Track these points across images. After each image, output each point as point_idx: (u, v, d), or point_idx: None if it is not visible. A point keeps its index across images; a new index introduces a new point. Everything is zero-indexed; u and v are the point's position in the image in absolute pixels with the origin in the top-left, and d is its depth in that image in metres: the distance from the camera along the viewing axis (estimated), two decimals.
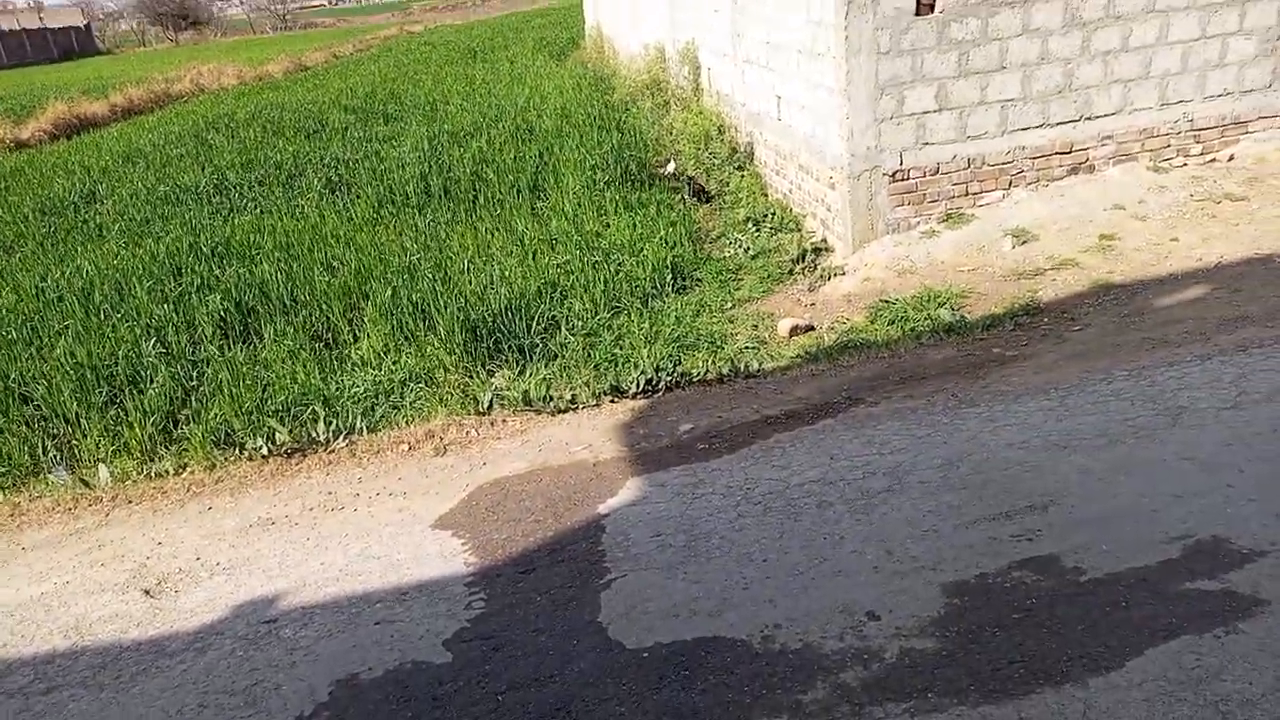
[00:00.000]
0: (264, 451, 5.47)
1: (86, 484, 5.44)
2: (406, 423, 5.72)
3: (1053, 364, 5.47)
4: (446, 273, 8.01)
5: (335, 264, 8.39)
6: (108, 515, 5.14)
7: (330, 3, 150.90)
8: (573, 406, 5.64)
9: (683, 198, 10.26)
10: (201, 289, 8.26)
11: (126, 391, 6.62)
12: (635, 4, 17.45)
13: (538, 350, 6.91)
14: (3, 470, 5.85)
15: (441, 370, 6.66)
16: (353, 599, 4.03)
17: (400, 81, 21.65)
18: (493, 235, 9.13)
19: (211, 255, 9.13)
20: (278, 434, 5.59)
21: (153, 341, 7.18)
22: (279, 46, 47.72)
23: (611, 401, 5.70)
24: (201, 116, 19.09)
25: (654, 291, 7.95)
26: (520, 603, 3.84)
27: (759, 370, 6.08)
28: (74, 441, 6.17)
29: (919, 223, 7.81)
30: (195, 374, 6.90)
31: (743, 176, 10.19)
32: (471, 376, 6.61)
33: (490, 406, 5.66)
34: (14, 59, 67.78)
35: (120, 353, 7.04)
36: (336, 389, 6.48)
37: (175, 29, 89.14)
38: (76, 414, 6.37)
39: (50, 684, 3.75)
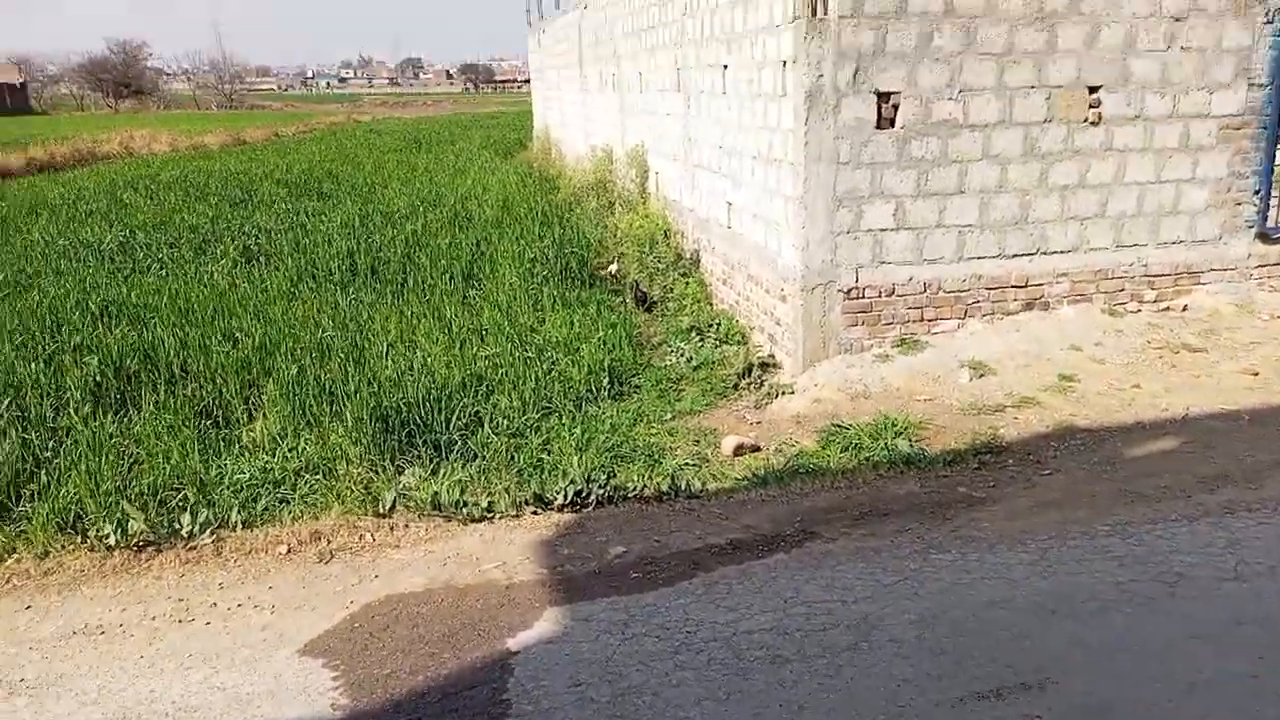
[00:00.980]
0: (110, 541, 4.56)
1: None
2: (292, 519, 4.89)
3: (1026, 510, 4.96)
4: (363, 354, 7.27)
5: (238, 335, 7.58)
6: None
7: (279, 89, 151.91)
8: (489, 515, 4.89)
9: (624, 300, 9.77)
10: (80, 349, 7.34)
11: None
12: (586, 106, 17.40)
13: (456, 448, 6.17)
14: None
15: (344, 462, 5.86)
16: None
17: (340, 163, 21.15)
18: (419, 320, 8.45)
19: (100, 315, 8.22)
20: (132, 520, 4.70)
21: (6, 402, 6.22)
22: (220, 122, 47.09)
23: (534, 513, 4.97)
24: (122, 176, 18.20)
25: (589, 395, 7.33)
26: None
27: (701, 490, 5.44)
28: None
29: (873, 345, 7.40)
30: (53, 443, 5.96)
31: (688, 283, 9.78)
32: (378, 471, 5.83)
33: (393, 507, 4.88)
34: None
35: None
36: (217, 473, 5.61)
37: (116, 96, 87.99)
38: None
39: None
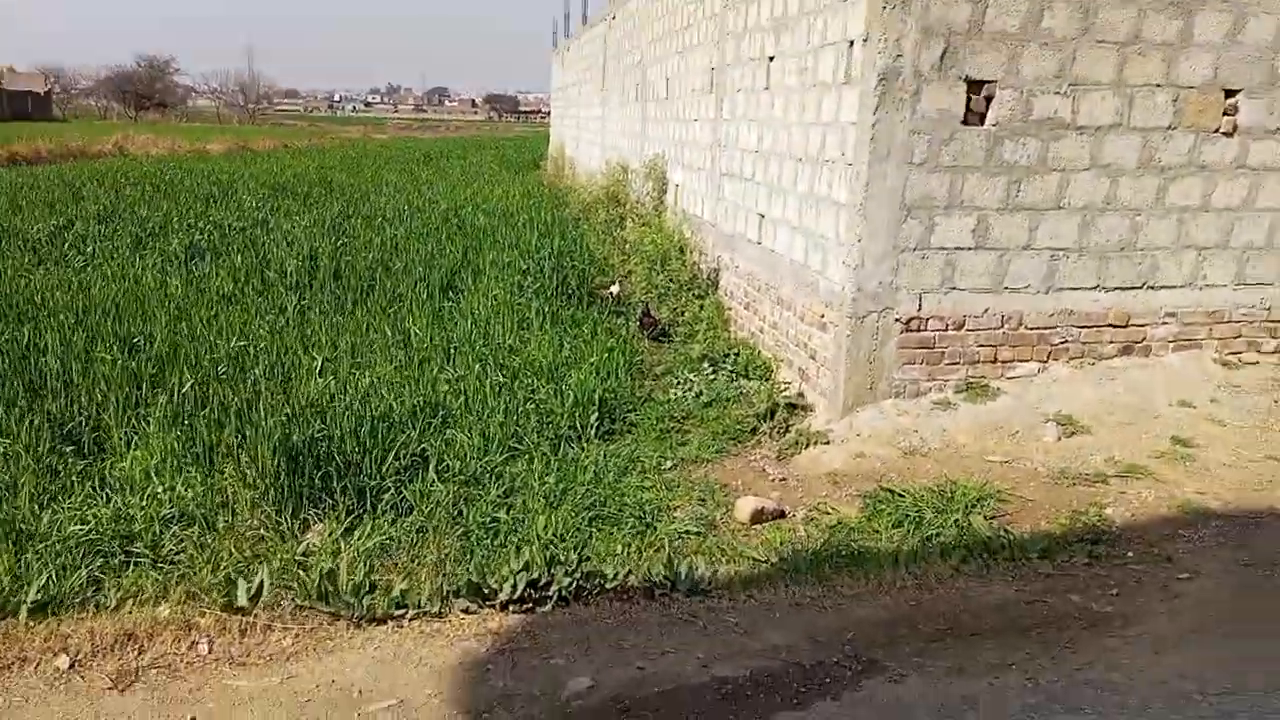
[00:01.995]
0: None
1: None
2: (109, 607, 3.36)
3: (1176, 638, 3.42)
4: (291, 372, 5.80)
5: (139, 340, 6.11)
6: None
7: (305, 110, 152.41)
8: (398, 613, 3.36)
9: (627, 323, 8.30)
10: None
11: None
12: (605, 120, 16.10)
13: (387, 497, 4.68)
14: None
15: (228, 512, 4.38)
16: None
17: (339, 171, 19.85)
18: (375, 333, 6.98)
19: None
20: None
21: None
22: (231, 132, 46.20)
23: (467, 611, 3.43)
24: (94, 171, 16.90)
25: (571, 433, 5.84)
26: None
27: (709, 580, 3.90)
28: None
29: (931, 389, 5.88)
30: None
31: (702, 306, 8.30)
32: (279, 524, 4.35)
33: (258, 594, 3.35)
34: None
35: None
36: (52, 520, 4.13)
37: (138, 108, 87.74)
38: None
39: None
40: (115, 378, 5.39)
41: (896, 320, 5.71)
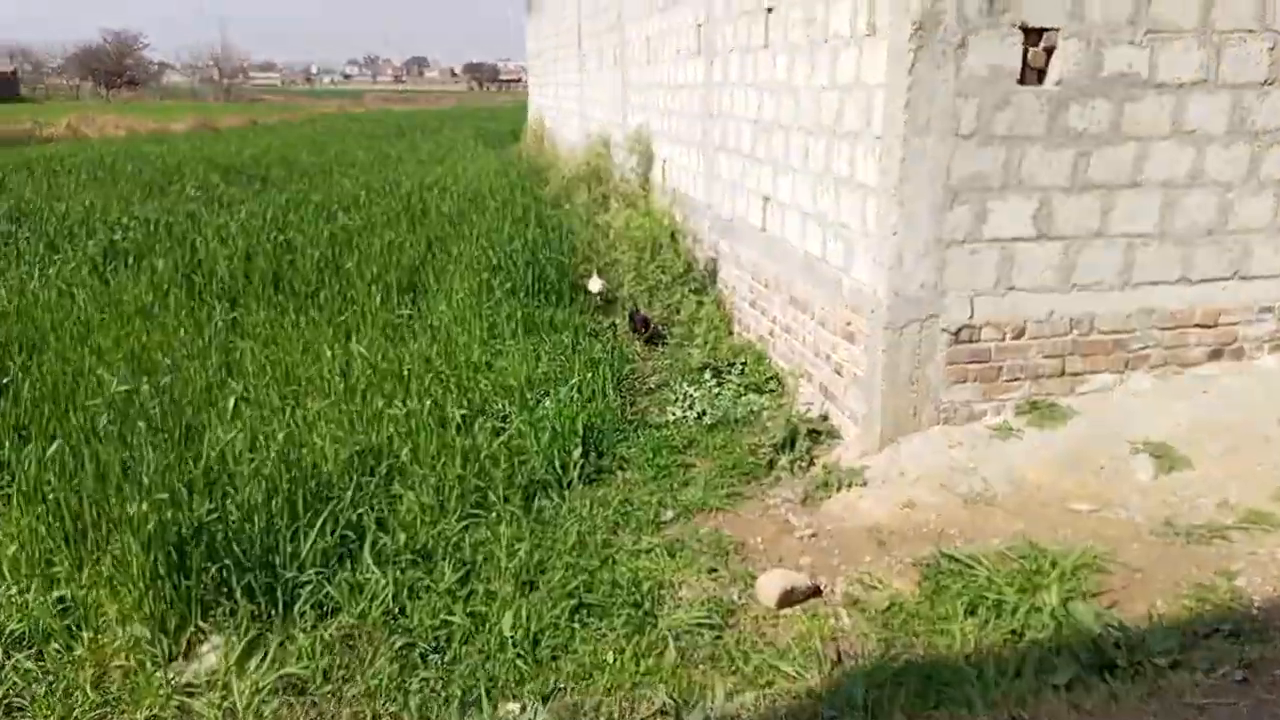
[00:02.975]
0: None
1: None
2: None
3: None
4: (195, 416, 4.69)
5: (7, 382, 4.96)
6: None
7: (282, 83, 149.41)
8: None
9: (614, 323, 7.20)
10: None
11: None
12: (583, 88, 14.85)
13: (306, 592, 3.62)
14: None
15: (90, 627, 3.31)
16: None
17: (301, 149, 18.55)
18: (313, 352, 5.87)
19: None
20: None
21: None
22: (197, 110, 44.53)
23: None
24: (30, 157, 15.60)
25: (549, 476, 4.78)
26: None
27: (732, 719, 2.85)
28: None
29: (987, 411, 4.82)
30: None
31: (701, 303, 7.19)
32: (155, 645, 3.28)
33: None
34: None
35: None
36: None
37: (109, 86, 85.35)
38: None
39: None
40: None
41: (944, 330, 4.62)
